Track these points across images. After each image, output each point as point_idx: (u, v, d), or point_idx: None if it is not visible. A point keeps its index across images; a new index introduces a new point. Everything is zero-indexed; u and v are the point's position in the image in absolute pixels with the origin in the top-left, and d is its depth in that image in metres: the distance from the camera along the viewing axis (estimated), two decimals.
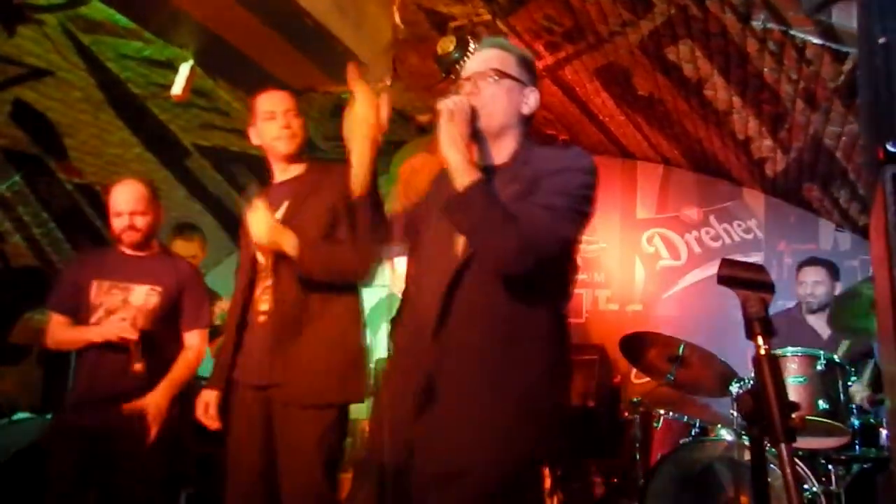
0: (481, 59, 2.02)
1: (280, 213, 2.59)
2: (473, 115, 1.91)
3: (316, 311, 2.50)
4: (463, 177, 1.80)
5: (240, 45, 3.68)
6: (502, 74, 1.95)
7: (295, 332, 2.47)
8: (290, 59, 3.72)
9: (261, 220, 2.48)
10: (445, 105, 1.90)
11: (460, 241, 1.90)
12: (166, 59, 4.27)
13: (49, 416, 4.53)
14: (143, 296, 3.10)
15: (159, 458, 3.05)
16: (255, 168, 5.77)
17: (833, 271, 4.16)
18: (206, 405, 2.61)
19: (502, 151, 1.97)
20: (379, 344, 5.73)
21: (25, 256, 5.20)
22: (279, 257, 2.50)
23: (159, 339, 3.11)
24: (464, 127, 1.88)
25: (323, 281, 2.49)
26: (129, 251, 3.19)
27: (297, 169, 2.72)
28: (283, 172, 2.75)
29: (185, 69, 3.89)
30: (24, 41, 4.02)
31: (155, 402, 3.01)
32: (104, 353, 3.02)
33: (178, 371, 3.13)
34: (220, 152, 5.51)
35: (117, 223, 3.15)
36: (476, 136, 1.94)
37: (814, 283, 4.10)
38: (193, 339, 3.23)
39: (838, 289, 4.14)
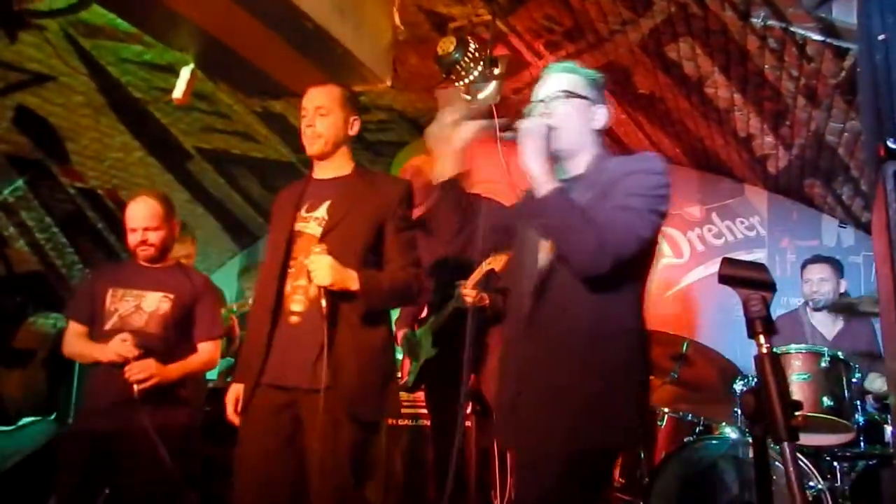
0: (551, 82, 2.18)
1: (322, 212, 2.56)
2: (549, 134, 2.04)
3: (352, 317, 2.46)
4: (542, 186, 1.95)
5: (240, 49, 3.68)
6: (571, 95, 2.11)
7: (332, 337, 2.41)
8: (290, 62, 3.72)
9: (324, 265, 2.40)
10: (524, 124, 2.06)
11: (546, 246, 2.06)
12: (167, 63, 4.28)
13: (52, 418, 4.55)
14: (156, 302, 3.18)
15: (170, 462, 3.04)
16: (257, 171, 5.79)
17: (837, 268, 4.15)
18: (237, 400, 2.61)
19: (579, 165, 2.11)
20: None
21: (29, 261, 5.21)
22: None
23: (171, 345, 3.17)
24: (541, 143, 2.01)
25: (384, 307, 2.56)
26: (144, 263, 3.28)
27: (337, 169, 2.66)
28: (321, 170, 2.68)
29: (185, 73, 3.90)
30: (26, 47, 4.03)
31: (157, 367, 3.03)
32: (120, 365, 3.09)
33: (192, 363, 3.22)
34: (221, 155, 5.53)
35: (132, 238, 3.24)
36: (553, 153, 2.06)
37: (819, 281, 4.09)
38: (206, 349, 3.30)
39: (843, 286, 4.14)
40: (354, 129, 2.66)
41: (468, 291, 3.43)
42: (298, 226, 2.57)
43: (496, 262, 3.38)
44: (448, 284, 3.56)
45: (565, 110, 2.10)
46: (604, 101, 2.18)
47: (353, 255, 2.48)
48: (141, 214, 3.22)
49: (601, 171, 2.06)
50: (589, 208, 1.93)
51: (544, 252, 2.07)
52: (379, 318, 2.54)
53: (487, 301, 3.49)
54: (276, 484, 2.42)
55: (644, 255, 2.03)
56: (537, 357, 1.99)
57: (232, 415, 2.63)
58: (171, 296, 3.22)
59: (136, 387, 2.95)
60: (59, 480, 3.03)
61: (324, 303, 2.42)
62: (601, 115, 2.15)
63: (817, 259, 4.21)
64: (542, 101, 2.15)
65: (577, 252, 1.91)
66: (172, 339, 3.18)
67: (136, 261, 3.29)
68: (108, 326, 3.14)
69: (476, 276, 3.45)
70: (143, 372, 2.98)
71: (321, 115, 2.58)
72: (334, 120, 2.60)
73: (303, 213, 2.60)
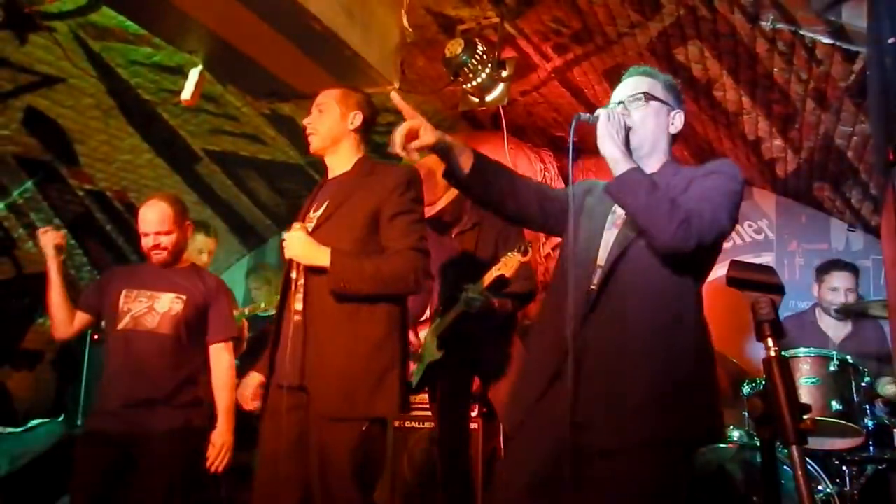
0: (630, 84, 2.20)
1: (319, 212, 2.58)
2: (626, 124, 2.08)
3: (349, 316, 2.44)
4: (622, 165, 1.97)
5: (249, 51, 3.69)
6: (650, 97, 2.14)
7: (327, 337, 2.42)
8: (298, 64, 3.72)
9: (295, 239, 2.47)
10: (602, 111, 2.05)
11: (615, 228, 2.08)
12: (176, 65, 4.29)
13: (61, 420, 4.56)
14: (168, 302, 3.22)
15: (183, 464, 3.10)
16: (265, 173, 5.80)
17: (858, 275, 4.11)
18: (254, 388, 2.66)
19: (649, 167, 2.13)
20: None
21: (38, 263, 5.22)
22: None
23: (182, 345, 3.21)
24: (618, 127, 2.04)
25: (365, 294, 2.44)
26: (160, 265, 3.32)
27: (343, 166, 2.67)
28: (331, 169, 2.71)
29: (194, 75, 3.91)
30: (36, 49, 4.05)
31: (223, 440, 3.17)
32: (128, 361, 3.14)
33: (226, 397, 3.24)
34: (229, 157, 5.54)
35: (145, 242, 3.28)
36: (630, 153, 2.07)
37: (846, 291, 4.03)
38: (221, 353, 3.32)
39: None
40: (356, 123, 2.66)
41: (475, 296, 3.42)
42: (307, 226, 2.59)
43: (506, 268, 3.37)
44: (454, 286, 3.56)
45: (643, 112, 2.14)
46: (682, 106, 2.22)
47: (346, 246, 2.47)
48: (152, 219, 3.25)
49: (674, 174, 2.11)
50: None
51: (613, 233, 2.08)
52: (374, 309, 2.48)
53: (496, 305, 3.49)
54: (286, 486, 2.43)
55: (716, 248, 2.05)
56: (607, 336, 1.96)
57: (246, 403, 2.70)
58: (184, 297, 3.25)
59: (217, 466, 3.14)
60: (75, 481, 3.03)
61: (301, 283, 2.47)
62: (678, 120, 2.19)
63: (842, 266, 4.12)
64: (621, 102, 2.17)
65: (662, 225, 1.89)
66: (184, 339, 3.22)
67: (149, 263, 3.33)
68: (120, 326, 3.19)
69: (486, 280, 3.44)
70: (220, 457, 3.14)
71: (319, 111, 2.65)
72: (329, 114, 2.63)
73: (311, 213, 2.63)
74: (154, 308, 3.21)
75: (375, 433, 2.46)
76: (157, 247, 3.26)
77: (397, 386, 2.47)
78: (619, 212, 2.09)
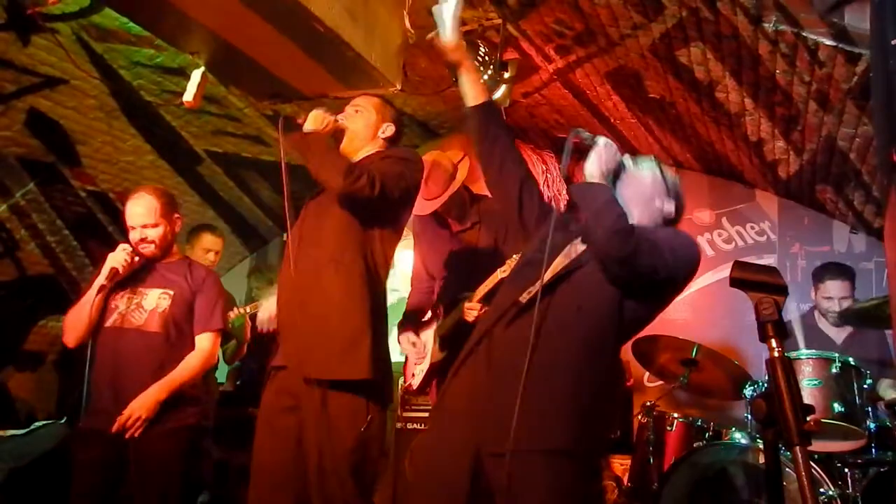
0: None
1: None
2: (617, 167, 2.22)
3: (318, 279, 2.53)
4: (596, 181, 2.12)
5: (251, 52, 3.68)
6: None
7: (297, 300, 2.53)
8: (301, 65, 3.72)
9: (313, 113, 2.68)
10: (602, 139, 2.18)
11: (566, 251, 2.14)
12: (178, 67, 4.30)
13: (63, 421, 4.56)
14: (156, 299, 3.17)
15: (179, 462, 3.08)
16: (267, 174, 5.80)
17: (854, 281, 4.06)
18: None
19: None
20: (392, 348, 5.74)
21: (40, 264, 5.24)
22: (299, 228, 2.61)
23: (172, 343, 3.15)
24: (609, 159, 2.17)
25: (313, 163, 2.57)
26: (147, 260, 3.26)
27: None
28: None
29: (197, 76, 3.90)
30: (39, 50, 4.05)
31: (138, 405, 2.98)
32: (117, 359, 3.08)
33: (176, 374, 3.11)
34: (232, 158, 5.55)
35: (132, 236, 3.22)
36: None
37: (841, 299, 4.00)
38: (203, 342, 3.24)
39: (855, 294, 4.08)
40: (385, 134, 2.84)
41: (472, 305, 3.42)
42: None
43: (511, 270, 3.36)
44: (456, 285, 3.56)
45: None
46: (676, 201, 2.26)
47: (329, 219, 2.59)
48: (138, 212, 3.20)
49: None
50: None
51: (563, 256, 2.12)
52: (341, 272, 2.55)
53: None
54: (279, 456, 2.49)
55: (643, 311, 2.09)
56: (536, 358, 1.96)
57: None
58: (171, 292, 3.20)
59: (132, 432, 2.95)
60: (76, 483, 3.00)
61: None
62: (668, 209, 2.24)
63: (838, 274, 4.08)
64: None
65: (608, 226, 1.95)
66: (174, 336, 3.16)
67: (138, 259, 3.24)
68: (108, 324, 3.14)
69: (484, 288, 3.44)
70: (131, 423, 2.94)
71: (354, 111, 2.85)
72: (364, 117, 2.84)
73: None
74: (142, 305, 3.16)
75: (375, 430, 2.47)
76: (143, 240, 3.20)
77: (369, 350, 2.50)
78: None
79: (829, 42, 2.98)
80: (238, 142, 5.36)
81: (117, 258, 3.10)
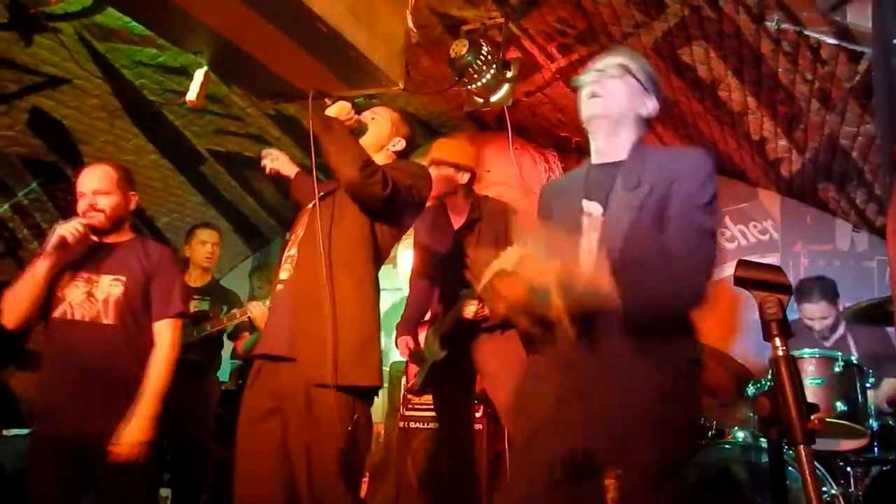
0: (610, 57, 2.17)
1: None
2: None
3: (334, 286, 2.45)
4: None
5: (254, 52, 3.68)
6: (626, 71, 2.11)
7: (309, 305, 2.44)
8: (304, 65, 3.72)
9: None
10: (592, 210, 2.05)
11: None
12: (181, 66, 4.31)
13: None
14: (107, 286, 2.87)
15: (144, 465, 2.81)
16: None
17: (834, 298, 3.96)
18: None
19: (617, 148, 2.10)
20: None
21: None
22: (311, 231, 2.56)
23: (131, 335, 2.87)
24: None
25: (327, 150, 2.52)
26: (97, 238, 2.97)
27: None
28: None
29: (199, 75, 3.90)
30: (41, 50, 4.06)
31: (134, 432, 2.73)
32: (70, 356, 2.82)
33: (151, 385, 2.82)
34: (234, 158, 5.55)
35: (80, 205, 2.92)
36: (590, 118, 2.10)
37: (820, 320, 3.94)
38: (163, 332, 2.93)
39: (842, 305, 3.99)
40: (396, 147, 2.84)
41: (471, 303, 3.43)
42: (309, 204, 2.71)
43: (507, 261, 3.35)
44: (455, 284, 3.56)
45: (616, 84, 2.10)
46: (657, 96, 2.19)
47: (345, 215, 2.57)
48: (90, 178, 2.95)
49: (644, 160, 2.05)
50: (645, 222, 1.92)
51: (593, 239, 2.01)
52: (361, 286, 2.52)
53: (488, 312, 3.48)
54: (264, 460, 2.43)
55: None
56: (606, 358, 1.91)
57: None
58: (123, 278, 2.89)
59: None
60: (33, 495, 2.76)
61: (291, 255, 2.58)
62: (651, 105, 2.16)
63: (815, 297, 3.95)
64: (597, 70, 2.13)
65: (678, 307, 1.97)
66: (131, 327, 2.88)
67: (87, 237, 2.93)
68: (57, 314, 2.86)
69: (484, 279, 3.43)
70: (133, 452, 2.70)
71: (371, 117, 2.85)
72: (379, 126, 2.84)
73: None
74: (93, 294, 2.85)
75: (354, 406, 2.41)
76: (92, 207, 2.89)
77: (377, 356, 2.50)
78: (594, 214, 2.03)
79: (831, 40, 2.98)
80: (240, 141, 5.36)
81: (68, 227, 2.78)
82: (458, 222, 3.75)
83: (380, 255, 2.61)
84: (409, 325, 3.83)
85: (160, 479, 3.18)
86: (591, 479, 1.85)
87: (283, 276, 2.59)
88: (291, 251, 2.60)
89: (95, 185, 2.93)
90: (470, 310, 3.44)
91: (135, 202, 3.09)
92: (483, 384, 3.74)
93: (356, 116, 2.68)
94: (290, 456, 2.38)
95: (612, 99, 2.08)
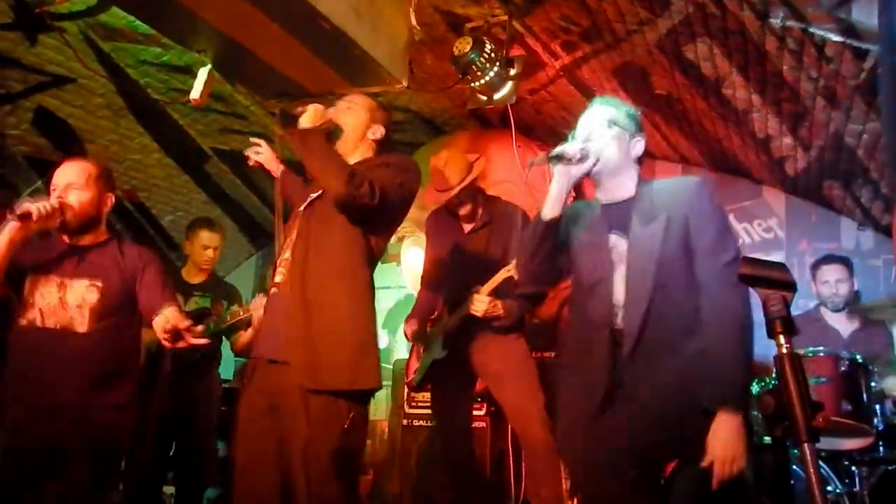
0: (595, 111, 2.43)
1: (316, 195, 2.65)
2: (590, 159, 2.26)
3: (325, 290, 2.44)
4: (553, 204, 2.28)
5: (257, 50, 3.69)
6: (613, 124, 2.33)
7: (304, 310, 2.41)
8: (307, 63, 3.73)
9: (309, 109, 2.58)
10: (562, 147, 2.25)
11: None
12: (185, 65, 4.31)
13: None
14: (82, 292, 2.70)
15: (108, 471, 2.75)
16: None
17: (851, 267, 4.16)
18: None
19: (623, 188, 2.31)
20: (398, 345, 5.75)
21: None
22: (303, 236, 2.53)
23: (109, 343, 2.73)
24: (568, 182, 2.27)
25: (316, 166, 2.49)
26: (69, 240, 2.79)
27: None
28: None
29: (203, 74, 3.92)
30: (46, 49, 4.07)
31: (167, 321, 2.65)
32: (38, 364, 2.65)
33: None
34: (238, 156, 5.54)
35: (51, 199, 2.71)
36: (594, 175, 2.30)
37: (837, 282, 4.10)
38: (167, 310, 2.75)
39: (856, 285, 4.16)
40: (376, 136, 2.74)
41: (481, 299, 3.43)
42: (301, 206, 2.67)
43: (516, 270, 3.37)
44: (463, 285, 3.56)
45: (606, 140, 2.29)
46: (642, 134, 2.37)
47: (333, 225, 2.51)
48: (65, 172, 2.75)
49: (651, 196, 2.25)
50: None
51: (622, 271, 2.20)
52: (355, 288, 2.50)
53: (501, 311, 3.47)
54: (260, 458, 2.41)
55: None
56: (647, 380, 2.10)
57: None
58: (99, 283, 2.72)
59: None
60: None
61: (286, 258, 2.52)
62: (639, 147, 2.34)
63: (832, 259, 4.22)
64: (584, 128, 2.36)
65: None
66: (107, 334, 2.71)
67: (59, 238, 2.78)
68: (25, 321, 2.68)
69: (493, 283, 3.44)
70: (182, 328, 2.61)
71: (346, 107, 2.73)
72: (355, 115, 2.71)
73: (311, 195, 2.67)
74: (65, 301, 2.67)
75: (357, 408, 2.40)
76: (60, 201, 2.67)
77: (375, 359, 2.47)
78: (619, 247, 2.23)
79: (836, 38, 2.97)
80: (244, 140, 5.34)
81: (37, 204, 2.59)
82: (468, 225, 3.74)
83: (373, 256, 2.58)
84: (416, 318, 3.83)
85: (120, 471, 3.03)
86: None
87: (277, 279, 2.56)
88: (286, 254, 2.57)
89: (70, 178, 2.73)
90: (480, 307, 3.43)
91: (111, 204, 2.89)
92: (486, 384, 3.74)
93: (329, 116, 2.62)
94: (287, 455, 2.36)
95: (604, 155, 2.27)
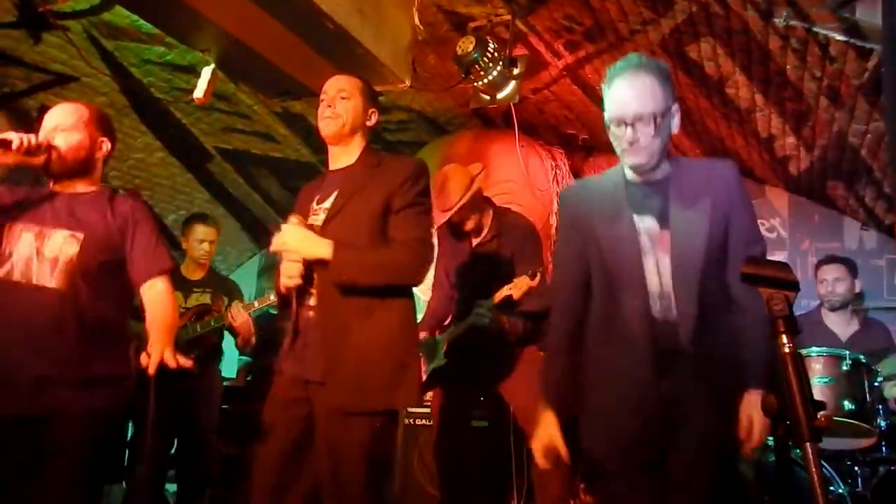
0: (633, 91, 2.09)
1: (329, 202, 2.51)
2: None
3: (363, 312, 2.38)
4: None
5: (261, 49, 3.70)
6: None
7: (342, 333, 2.37)
8: (310, 62, 3.73)
9: (293, 232, 2.40)
10: None
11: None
12: (188, 64, 4.31)
13: None
14: (60, 243, 2.39)
15: (95, 454, 2.44)
16: (277, 171, 5.81)
17: (852, 268, 4.15)
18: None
19: (661, 170, 2.15)
20: None
21: None
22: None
23: (84, 303, 2.39)
24: None
25: (368, 285, 2.38)
26: (54, 185, 2.53)
27: (350, 158, 2.58)
28: (335, 160, 2.62)
29: (206, 73, 3.92)
30: (50, 48, 4.07)
31: (158, 353, 2.41)
32: (13, 324, 2.35)
33: (161, 334, 2.46)
34: (241, 155, 5.56)
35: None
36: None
37: (834, 281, 4.10)
38: (153, 286, 2.51)
39: (858, 286, 4.15)
40: (372, 121, 2.62)
41: (483, 313, 3.43)
42: (311, 219, 2.53)
43: (516, 289, 3.37)
44: (470, 297, 3.56)
45: (651, 129, 2.04)
46: (676, 101, 2.11)
47: (359, 239, 2.42)
48: (54, 113, 2.52)
49: (688, 175, 2.11)
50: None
51: (654, 258, 2.07)
52: (388, 304, 2.43)
53: (506, 324, 3.47)
54: (292, 483, 2.39)
55: None
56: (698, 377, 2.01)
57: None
58: (80, 235, 2.41)
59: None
60: None
61: (299, 280, 2.39)
62: (677, 117, 2.11)
63: (832, 259, 4.21)
64: (631, 120, 2.05)
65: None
66: (85, 295, 2.38)
67: (48, 185, 2.54)
68: (2, 273, 2.36)
69: (497, 298, 3.44)
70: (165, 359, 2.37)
71: (342, 97, 2.55)
72: (354, 104, 2.56)
73: (314, 205, 2.56)
74: (42, 252, 2.37)
75: (387, 429, 2.40)
76: (50, 144, 2.42)
77: (417, 378, 2.46)
78: (652, 232, 2.07)
79: (840, 37, 2.97)
80: (248, 139, 5.37)
81: (21, 134, 2.35)
82: (475, 238, 3.74)
83: None
84: (430, 324, 3.83)
85: (104, 474, 2.83)
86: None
87: (312, 301, 2.45)
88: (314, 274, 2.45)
89: (58, 119, 2.48)
90: (483, 320, 3.43)
91: (106, 149, 2.61)
92: (497, 386, 3.72)
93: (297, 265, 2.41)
94: (314, 452, 2.36)
95: (652, 145, 2.05)
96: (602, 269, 2.12)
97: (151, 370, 2.40)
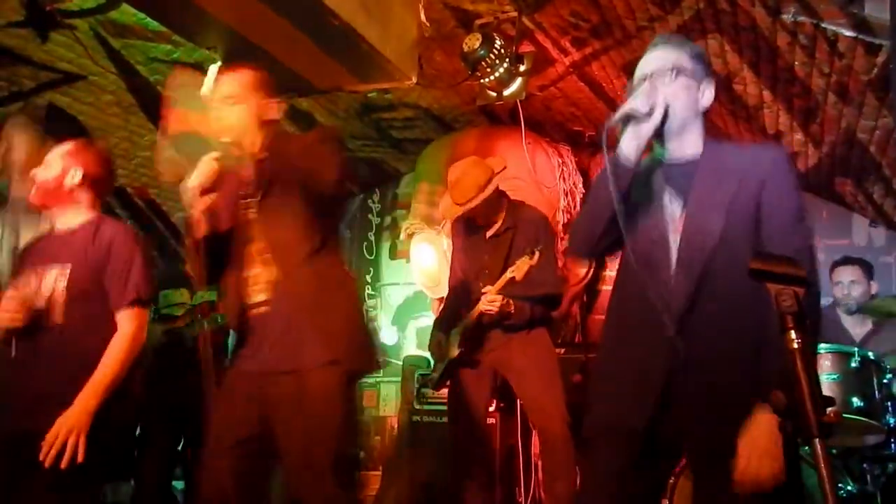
0: (658, 57, 2.05)
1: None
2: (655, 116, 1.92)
3: (310, 287, 2.33)
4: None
5: (267, 47, 3.70)
6: (680, 71, 1.99)
7: (296, 314, 2.31)
8: (316, 60, 3.74)
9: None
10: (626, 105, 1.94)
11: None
12: (195, 62, 4.32)
13: None
14: (53, 280, 2.49)
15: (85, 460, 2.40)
16: None
17: (868, 269, 4.09)
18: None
19: (686, 147, 2.02)
20: (408, 341, 5.75)
21: None
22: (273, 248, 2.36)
23: (80, 331, 2.49)
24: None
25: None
26: (58, 225, 2.64)
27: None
28: None
29: (213, 71, 3.93)
30: (57, 47, 4.08)
31: (67, 425, 2.32)
32: (18, 354, 2.48)
33: (100, 372, 2.42)
34: None
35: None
36: (657, 134, 1.96)
37: (850, 283, 4.03)
38: (124, 322, 2.51)
39: (874, 288, 4.07)
40: (269, 116, 2.56)
41: (490, 298, 3.44)
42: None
43: (518, 271, 3.39)
44: (479, 288, 3.57)
45: (673, 89, 1.97)
46: (711, 77, 2.06)
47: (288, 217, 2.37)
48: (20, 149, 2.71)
49: (721, 157, 2.00)
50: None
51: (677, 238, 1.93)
52: (337, 277, 2.41)
53: (512, 308, 3.49)
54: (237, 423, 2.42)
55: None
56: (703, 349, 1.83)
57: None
58: (68, 267, 2.49)
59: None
60: None
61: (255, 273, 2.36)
62: (709, 94, 2.05)
63: (847, 261, 4.14)
64: (649, 75, 2.01)
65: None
66: (80, 324, 2.48)
67: (52, 226, 2.65)
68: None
69: (500, 283, 3.45)
70: (67, 447, 2.29)
71: (231, 103, 2.49)
72: (245, 106, 2.51)
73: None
74: (41, 291, 2.48)
75: (350, 385, 2.34)
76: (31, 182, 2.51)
77: (365, 338, 2.44)
78: (674, 211, 1.96)
79: (848, 33, 2.95)
80: None
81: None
82: (491, 230, 3.74)
83: (337, 237, 2.52)
84: (442, 325, 3.83)
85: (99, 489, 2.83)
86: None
87: (258, 298, 2.37)
88: (254, 270, 2.38)
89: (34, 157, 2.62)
90: (489, 305, 3.45)
91: (80, 178, 2.62)
92: (508, 379, 3.72)
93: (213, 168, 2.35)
94: (278, 441, 2.32)
95: (671, 108, 1.96)
96: (632, 249, 1.97)
97: (47, 462, 2.28)
